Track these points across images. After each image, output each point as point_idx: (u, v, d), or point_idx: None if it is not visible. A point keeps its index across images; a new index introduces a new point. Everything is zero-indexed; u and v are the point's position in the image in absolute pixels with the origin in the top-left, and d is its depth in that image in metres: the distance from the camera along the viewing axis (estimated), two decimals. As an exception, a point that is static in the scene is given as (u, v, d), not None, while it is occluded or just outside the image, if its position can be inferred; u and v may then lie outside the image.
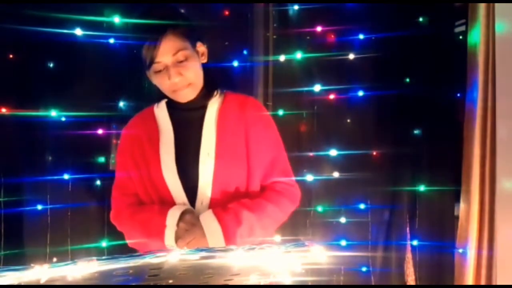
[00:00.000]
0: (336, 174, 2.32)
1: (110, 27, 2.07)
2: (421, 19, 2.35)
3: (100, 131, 2.14)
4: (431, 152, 2.34)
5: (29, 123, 2.01)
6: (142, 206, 1.44)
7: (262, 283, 0.95)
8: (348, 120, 2.39)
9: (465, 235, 2.22)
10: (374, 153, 2.34)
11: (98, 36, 2.05)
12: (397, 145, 2.33)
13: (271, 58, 2.41)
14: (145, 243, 1.39)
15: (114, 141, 2.22)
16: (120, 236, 1.49)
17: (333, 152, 2.31)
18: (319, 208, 2.35)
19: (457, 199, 2.29)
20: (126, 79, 2.09)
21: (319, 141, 2.37)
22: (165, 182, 1.39)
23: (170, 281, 0.86)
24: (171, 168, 1.39)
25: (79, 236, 2.09)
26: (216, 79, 1.49)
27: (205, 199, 1.39)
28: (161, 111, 1.48)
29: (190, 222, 1.33)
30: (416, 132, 2.37)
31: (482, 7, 2.16)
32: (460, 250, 2.24)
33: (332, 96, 2.35)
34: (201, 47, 1.43)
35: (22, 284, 0.73)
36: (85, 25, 2.03)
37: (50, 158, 2.12)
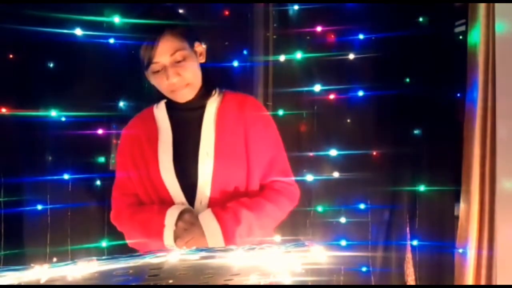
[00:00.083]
0: (336, 174, 2.32)
1: (110, 27, 2.07)
2: (421, 19, 2.35)
3: (100, 131, 2.14)
4: (431, 152, 2.34)
5: (29, 123, 2.01)
6: (142, 206, 1.44)
7: (262, 283, 0.95)
8: (348, 120, 2.39)
9: (465, 235, 2.22)
10: (374, 153, 2.34)
11: (98, 36, 2.05)
12: (397, 145, 2.33)
13: (271, 58, 2.40)
14: (145, 243, 1.39)
15: (114, 141, 2.21)
16: (120, 236, 1.49)
17: (333, 152, 2.31)
18: (319, 208, 2.35)
19: (457, 199, 2.29)
20: (126, 79, 2.09)
21: (319, 141, 2.36)
22: (163, 182, 1.40)
23: (170, 281, 0.86)
24: (168, 168, 1.39)
25: (79, 236, 2.09)
26: (214, 78, 1.49)
27: (204, 199, 1.39)
28: (160, 111, 1.48)
29: (189, 222, 1.34)
30: (416, 132, 2.37)
31: (482, 7, 2.15)
32: (460, 250, 2.24)
33: (332, 96, 2.35)
34: (199, 47, 1.43)
35: (22, 284, 0.73)
36: (85, 25, 2.03)
37: (50, 158, 2.12)
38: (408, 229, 2.35)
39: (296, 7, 2.37)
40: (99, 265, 0.77)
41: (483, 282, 2.15)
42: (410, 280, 2.34)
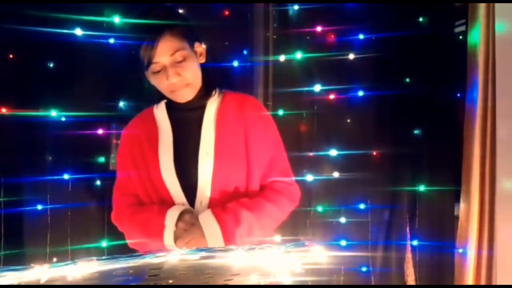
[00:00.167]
0: (336, 174, 2.32)
1: (110, 27, 2.07)
2: (421, 19, 2.35)
3: (100, 131, 2.14)
4: (431, 152, 2.34)
5: (29, 123, 2.01)
6: (142, 206, 1.44)
7: (262, 283, 0.95)
8: (348, 120, 2.39)
9: (465, 235, 2.22)
10: (374, 153, 2.34)
11: (98, 36, 2.05)
12: (397, 145, 2.33)
13: (271, 58, 2.41)
14: (145, 244, 1.39)
15: (114, 141, 2.22)
16: (120, 236, 1.49)
17: (333, 152, 2.31)
18: (319, 208, 2.35)
19: (457, 199, 2.29)
20: (126, 79, 2.09)
21: (319, 141, 2.37)
22: (164, 183, 1.39)
23: (170, 281, 0.86)
24: (169, 168, 1.39)
25: (79, 236, 2.09)
26: (214, 79, 1.49)
27: (204, 199, 1.39)
28: (160, 111, 1.48)
29: (189, 222, 1.33)
30: (416, 132, 2.37)
31: (482, 7, 2.15)
32: (460, 250, 2.24)
33: (332, 96, 2.35)
34: (199, 47, 1.43)
35: (22, 284, 0.73)
36: (85, 25, 2.03)
37: (50, 158, 2.12)
38: (408, 229, 2.35)
39: (296, 7, 2.37)
40: (99, 265, 0.77)
41: (483, 282, 2.16)
42: (410, 280, 2.34)
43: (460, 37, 2.38)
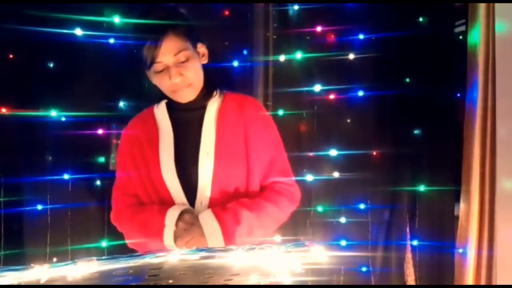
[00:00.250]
0: (336, 174, 2.32)
1: (110, 27, 2.07)
2: (421, 19, 2.35)
3: (100, 131, 2.14)
4: (431, 152, 2.34)
5: (29, 123, 2.01)
6: (142, 206, 1.44)
7: (262, 283, 0.95)
8: (348, 120, 2.39)
9: (465, 235, 2.22)
10: (374, 153, 2.34)
11: (98, 36, 2.05)
12: (397, 145, 2.33)
13: (271, 58, 2.41)
14: (144, 243, 1.39)
15: (114, 141, 2.22)
16: (120, 236, 1.49)
17: (333, 152, 2.31)
18: (319, 208, 2.35)
19: (457, 199, 2.29)
20: (126, 79, 2.08)
21: (319, 141, 2.37)
22: (164, 183, 1.39)
23: (170, 281, 0.86)
24: (170, 168, 1.39)
25: (79, 236, 2.09)
26: (216, 79, 1.49)
27: (204, 199, 1.39)
28: (160, 111, 1.48)
29: (189, 222, 1.33)
30: (416, 132, 2.37)
31: (482, 7, 2.15)
32: (460, 250, 2.24)
33: (332, 96, 2.35)
34: (202, 48, 1.43)
35: (22, 284, 0.73)
36: (85, 25, 2.03)
37: (50, 158, 2.12)
38: (408, 229, 2.35)
39: (296, 7, 2.38)
40: (99, 265, 0.77)
41: (483, 282, 2.15)
42: (410, 280, 2.34)
43: (460, 37, 2.38)
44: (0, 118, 2.00)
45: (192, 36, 1.37)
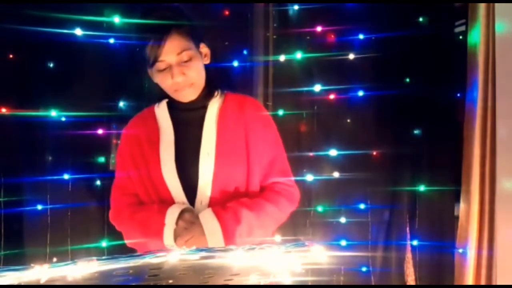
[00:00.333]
0: (336, 174, 2.32)
1: (110, 27, 2.07)
2: (421, 19, 2.35)
3: (100, 131, 2.14)
4: (431, 152, 2.34)
5: (29, 123, 2.01)
6: (142, 205, 1.44)
7: (262, 283, 0.95)
8: (348, 120, 2.39)
9: (465, 235, 2.22)
10: (374, 153, 2.34)
11: (98, 36, 2.05)
12: (397, 145, 2.33)
13: (271, 58, 2.41)
14: (143, 243, 1.39)
15: (114, 141, 2.22)
16: (120, 236, 1.49)
17: (333, 152, 2.31)
18: (319, 208, 2.35)
19: (457, 199, 2.29)
20: (126, 79, 2.09)
21: (319, 141, 2.37)
22: (164, 182, 1.40)
23: (170, 281, 0.86)
24: (170, 168, 1.39)
25: (79, 236, 2.09)
26: (217, 79, 1.49)
27: (204, 199, 1.39)
28: (161, 111, 1.48)
29: (189, 221, 1.34)
30: (416, 132, 2.37)
31: (482, 7, 2.15)
32: (460, 250, 2.24)
33: (332, 96, 2.35)
34: (204, 48, 1.44)
35: (22, 284, 0.73)
36: (85, 25, 2.03)
37: (50, 158, 2.12)
38: (408, 229, 2.35)
39: (296, 7, 2.38)
40: (99, 265, 0.77)
41: (483, 282, 2.15)
42: (410, 280, 2.34)
43: (460, 37, 2.38)
44: (0, 118, 2.00)
45: (195, 36, 1.38)
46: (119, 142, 1.57)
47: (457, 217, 2.28)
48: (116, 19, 2.04)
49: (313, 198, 2.34)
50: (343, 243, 2.32)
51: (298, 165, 2.25)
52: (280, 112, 2.34)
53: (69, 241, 2.07)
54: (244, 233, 1.36)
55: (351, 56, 2.32)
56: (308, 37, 2.37)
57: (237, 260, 0.84)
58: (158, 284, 0.85)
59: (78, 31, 2.03)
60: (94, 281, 0.78)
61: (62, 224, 2.07)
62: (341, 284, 2.31)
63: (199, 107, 1.45)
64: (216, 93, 1.47)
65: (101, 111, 2.12)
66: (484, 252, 2.15)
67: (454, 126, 2.32)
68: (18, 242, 2.04)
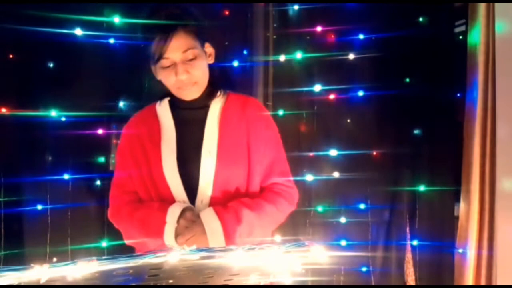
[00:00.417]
0: (336, 174, 2.32)
1: (111, 27, 2.07)
2: (421, 19, 2.35)
3: (100, 131, 2.14)
4: (431, 152, 2.34)
5: (29, 123, 2.01)
6: (142, 203, 1.44)
7: (262, 283, 0.95)
8: (348, 120, 2.39)
9: (465, 235, 2.22)
10: (374, 153, 2.34)
11: (98, 36, 2.05)
12: (397, 145, 2.33)
13: (271, 58, 2.40)
14: (143, 242, 1.39)
15: (114, 141, 2.21)
16: (121, 236, 1.49)
17: (333, 152, 2.31)
18: (319, 208, 2.35)
19: (457, 199, 2.29)
20: (126, 79, 2.09)
21: (319, 141, 2.37)
22: (165, 180, 1.40)
23: (170, 281, 0.86)
24: (172, 166, 1.39)
25: (79, 236, 2.09)
26: (220, 79, 1.50)
27: (205, 198, 1.39)
28: (163, 109, 1.48)
29: (190, 219, 1.34)
30: (416, 132, 2.37)
31: (482, 7, 2.15)
32: (460, 250, 2.24)
33: (332, 96, 2.35)
34: (209, 48, 1.44)
35: (22, 284, 0.73)
36: (85, 25, 2.03)
37: (50, 158, 2.12)
38: (408, 229, 2.35)
39: (296, 7, 2.37)
40: (99, 265, 0.77)
41: (483, 282, 2.16)
42: (410, 280, 2.34)
43: (460, 37, 2.38)
44: (0, 118, 2.00)
45: (201, 35, 1.39)
46: (119, 142, 1.57)
47: (457, 217, 2.28)
48: (116, 19, 2.04)
49: (313, 198, 2.34)
50: (343, 243, 2.32)
51: (298, 165, 2.26)
52: (280, 112, 2.34)
53: (69, 241, 2.07)
54: (244, 233, 1.36)
55: (351, 56, 2.32)
56: (308, 37, 2.37)
57: (237, 260, 0.84)
58: (158, 284, 0.85)
59: (78, 31, 2.03)
60: (94, 281, 0.78)
61: (62, 224, 2.07)
62: (341, 284, 2.31)
63: (201, 106, 1.45)
64: (218, 92, 1.47)
65: (101, 111, 2.12)
66: (484, 252, 2.15)
67: (454, 126, 2.32)
68: (18, 242, 2.04)
